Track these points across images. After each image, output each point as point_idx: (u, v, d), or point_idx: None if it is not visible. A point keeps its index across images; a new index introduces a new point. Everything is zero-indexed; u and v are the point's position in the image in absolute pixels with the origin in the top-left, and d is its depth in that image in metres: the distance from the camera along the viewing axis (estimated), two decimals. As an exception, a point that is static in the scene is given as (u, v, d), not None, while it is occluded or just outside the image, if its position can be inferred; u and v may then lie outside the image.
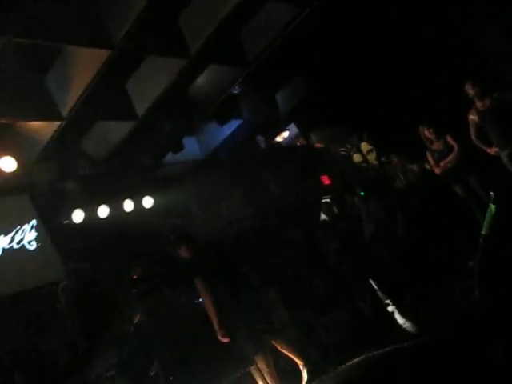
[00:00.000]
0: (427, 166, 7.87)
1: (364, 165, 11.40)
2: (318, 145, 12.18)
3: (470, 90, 6.71)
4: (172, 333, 6.72)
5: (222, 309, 5.52)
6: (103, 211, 9.07)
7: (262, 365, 5.49)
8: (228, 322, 5.51)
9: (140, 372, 5.17)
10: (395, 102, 9.87)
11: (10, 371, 5.84)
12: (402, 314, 6.78)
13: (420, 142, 7.65)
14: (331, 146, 12.15)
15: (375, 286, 7.65)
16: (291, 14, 7.58)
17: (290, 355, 5.65)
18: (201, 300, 7.76)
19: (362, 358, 5.37)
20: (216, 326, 5.48)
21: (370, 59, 9.45)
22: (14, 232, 8.04)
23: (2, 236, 7.90)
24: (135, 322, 5.33)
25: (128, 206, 9.48)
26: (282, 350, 5.64)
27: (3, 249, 7.82)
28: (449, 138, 7.38)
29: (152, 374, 5.51)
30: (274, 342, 5.61)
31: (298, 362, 5.65)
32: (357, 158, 11.46)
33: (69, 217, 8.63)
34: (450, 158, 7.33)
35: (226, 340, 5.50)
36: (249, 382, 5.88)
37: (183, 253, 5.87)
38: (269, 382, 5.54)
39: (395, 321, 6.70)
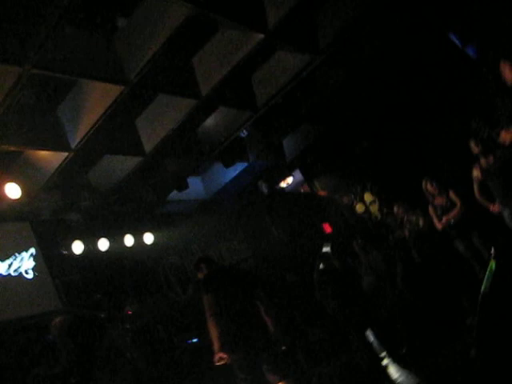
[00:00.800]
0: (429, 221, 7.87)
1: (366, 215, 11.44)
2: (321, 192, 12.23)
3: (475, 148, 6.78)
4: (163, 371, 6.63)
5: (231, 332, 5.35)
6: (103, 244, 9.09)
7: None
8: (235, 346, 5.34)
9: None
10: (400, 155, 9.97)
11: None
12: (396, 367, 6.70)
13: (423, 196, 7.69)
14: (335, 194, 12.21)
15: (372, 338, 7.57)
16: (303, 62, 7.70)
17: None
18: (194, 340, 7.70)
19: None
20: (215, 347, 5.30)
21: (379, 111, 9.59)
22: (12, 259, 8.04)
23: (0, 262, 7.89)
24: (127, 357, 5.24)
25: (128, 241, 9.50)
26: None
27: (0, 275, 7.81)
28: (451, 194, 7.42)
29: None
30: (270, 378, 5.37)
31: None
32: (359, 208, 11.50)
33: (69, 248, 8.64)
34: (452, 213, 7.35)
35: (219, 363, 5.31)
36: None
37: (201, 274, 5.86)
38: None
39: (390, 375, 6.60)
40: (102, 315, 5.43)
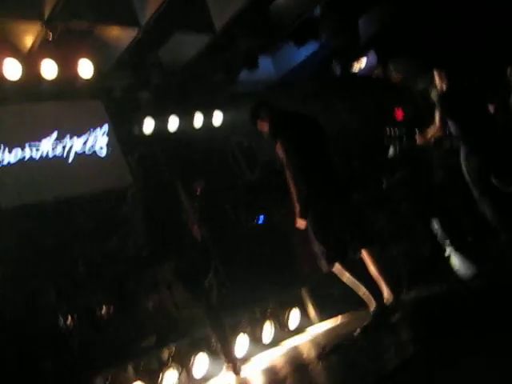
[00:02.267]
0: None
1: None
2: (395, 76, 11.73)
3: None
4: (229, 249, 6.89)
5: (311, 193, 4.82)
6: (173, 123, 9.19)
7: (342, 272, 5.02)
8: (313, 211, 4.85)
9: (196, 281, 5.34)
10: (483, 44, 9.26)
11: (75, 265, 6.19)
12: (458, 257, 6.70)
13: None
14: (409, 79, 11.68)
15: (437, 227, 7.54)
16: None
17: (376, 272, 5.06)
18: (260, 221, 7.90)
19: (411, 296, 5.40)
20: (296, 210, 4.85)
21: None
22: (87, 135, 8.29)
23: (76, 137, 8.17)
24: (193, 231, 5.42)
25: (198, 120, 9.56)
26: (369, 264, 5.05)
27: (75, 152, 8.12)
28: None
29: (207, 285, 5.69)
30: (364, 252, 5.05)
31: (383, 283, 5.04)
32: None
33: (140, 125, 8.81)
34: None
35: (302, 226, 4.89)
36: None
37: (263, 127, 5.22)
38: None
39: (451, 264, 6.64)
40: (179, 185, 5.49)
